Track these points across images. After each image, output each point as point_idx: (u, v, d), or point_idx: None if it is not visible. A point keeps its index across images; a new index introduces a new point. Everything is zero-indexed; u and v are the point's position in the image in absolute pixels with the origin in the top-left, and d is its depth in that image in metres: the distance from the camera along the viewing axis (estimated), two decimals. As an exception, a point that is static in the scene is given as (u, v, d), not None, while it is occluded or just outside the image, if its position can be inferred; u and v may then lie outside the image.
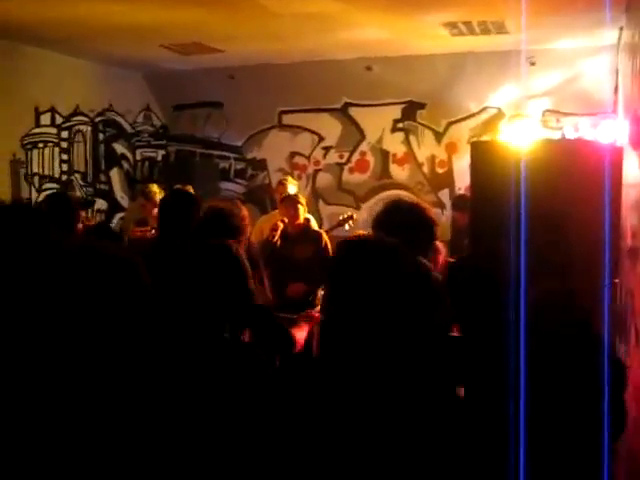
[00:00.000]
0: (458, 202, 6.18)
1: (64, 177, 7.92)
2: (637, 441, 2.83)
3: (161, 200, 4.20)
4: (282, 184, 6.40)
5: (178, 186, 5.92)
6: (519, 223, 2.51)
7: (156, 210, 5.84)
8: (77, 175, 8.11)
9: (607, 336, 2.33)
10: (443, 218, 7.14)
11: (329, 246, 5.25)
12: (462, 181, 7.65)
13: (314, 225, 5.76)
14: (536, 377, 2.12)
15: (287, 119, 8.63)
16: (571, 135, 6.63)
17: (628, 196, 3.63)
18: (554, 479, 2.16)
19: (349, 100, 8.31)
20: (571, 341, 2.23)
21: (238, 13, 5.99)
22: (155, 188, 6.59)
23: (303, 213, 5.42)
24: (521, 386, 2.10)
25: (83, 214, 4.19)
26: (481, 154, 2.80)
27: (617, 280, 3.31)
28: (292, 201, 5.45)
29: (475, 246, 2.89)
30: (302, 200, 5.51)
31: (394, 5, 5.72)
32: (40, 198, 7.41)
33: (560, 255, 2.88)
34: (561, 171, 2.84)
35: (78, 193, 7.97)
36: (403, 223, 2.73)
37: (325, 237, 5.37)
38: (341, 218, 5.96)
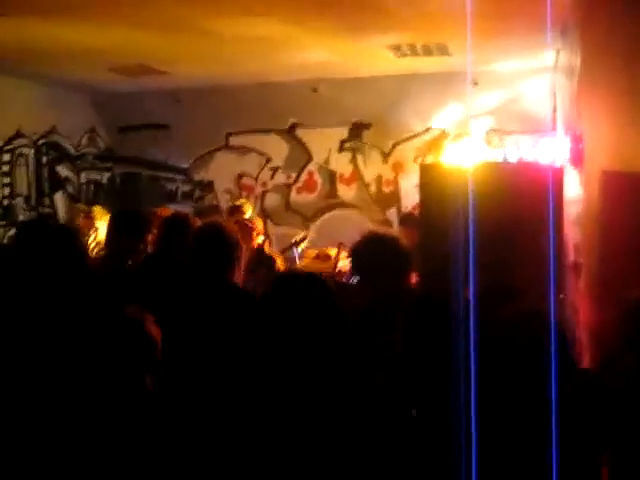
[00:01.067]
0: (405, 219, 6.26)
1: (6, 202, 7.73)
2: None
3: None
4: (241, 211, 6.36)
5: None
6: (467, 242, 2.57)
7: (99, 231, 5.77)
8: (20, 199, 7.93)
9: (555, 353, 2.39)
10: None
11: (282, 270, 5.25)
12: (409, 200, 7.74)
13: (267, 248, 5.72)
14: (485, 392, 2.15)
15: (234, 140, 8.63)
16: (513, 153, 6.80)
17: (569, 212, 3.74)
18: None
19: (296, 121, 8.36)
20: (520, 359, 2.28)
21: (182, 36, 5.98)
22: (97, 211, 6.54)
23: (257, 236, 5.40)
24: (472, 410, 2.14)
25: None
26: (430, 176, 2.87)
27: (562, 295, 3.40)
28: (244, 226, 5.42)
29: (425, 265, 2.95)
30: (258, 224, 5.50)
31: (340, 28, 5.79)
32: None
33: (508, 273, 2.96)
34: (507, 192, 2.92)
35: (21, 217, 7.79)
36: (382, 253, 2.77)
37: (279, 262, 5.35)
38: (293, 240, 5.98)
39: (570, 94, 4.36)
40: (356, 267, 2.92)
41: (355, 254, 2.92)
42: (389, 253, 2.77)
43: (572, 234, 3.84)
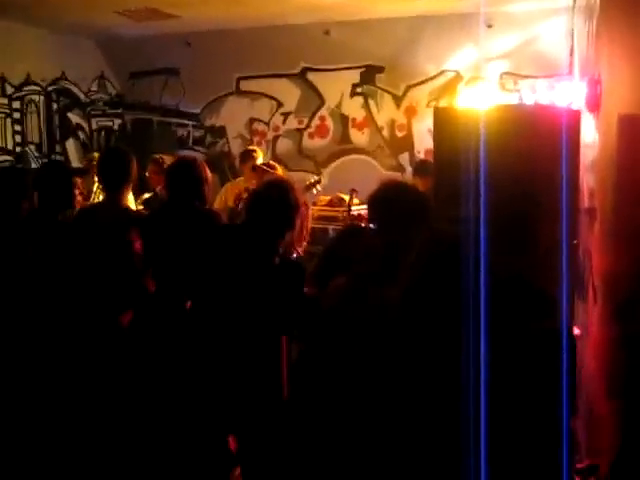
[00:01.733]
0: (419, 167, 6.21)
1: (18, 149, 7.74)
2: (594, 396, 2.94)
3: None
4: (253, 156, 6.34)
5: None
6: (479, 186, 2.55)
7: None
8: (31, 146, 7.94)
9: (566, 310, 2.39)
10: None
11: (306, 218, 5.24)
12: (422, 144, 7.69)
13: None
14: (495, 353, 2.15)
15: (245, 85, 8.54)
16: (528, 97, 6.69)
17: (585, 157, 3.70)
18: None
19: (307, 65, 8.25)
20: (530, 321, 2.27)
21: (193, -23, 5.89)
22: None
23: None
24: (482, 366, 2.14)
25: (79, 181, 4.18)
26: (443, 119, 2.83)
27: (576, 241, 3.39)
28: (265, 171, 5.43)
29: (439, 211, 2.93)
30: (278, 168, 5.50)
31: (351, -32, 5.67)
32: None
33: (521, 219, 2.94)
34: (522, 134, 2.88)
35: (33, 165, 7.80)
36: (399, 203, 2.76)
37: (303, 208, 5.34)
38: (307, 183, 5.95)
39: (588, 36, 4.26)
40: (373, 216, 2.90)
41: (372, 203, 2.90)
42: (407, 203, 2.75)
43: (587, 179, 3.80)
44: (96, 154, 6.65)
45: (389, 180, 3.09)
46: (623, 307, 2.49)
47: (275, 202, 3.07)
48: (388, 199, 2.80)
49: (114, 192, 3.98)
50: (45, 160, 8.04)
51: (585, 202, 3.88)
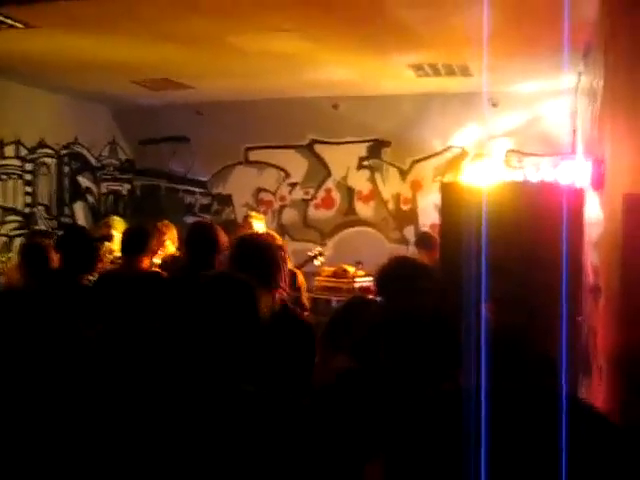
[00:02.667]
0: (422, 240, 6.26)
1: (27, 210, 7.83)
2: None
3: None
4: (247, 220, 6.41)
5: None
6: (484, 262, 2.57)
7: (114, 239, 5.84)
8: (40, 208, 8.01)
9: (565, 373, 2.37)
10: (407, 254, 7.21)
11: (303, 287, 5.25)
12: (426, 218, 7.76)
13: (289, 264, 5.72)
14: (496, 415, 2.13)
15: (253, 155, 8.69)
16: (532, 175, 6.80)
17: (590, 235, 3.73)
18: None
19: (315, 137, 8.41)
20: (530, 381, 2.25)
21: (207, 50, 6.06)
22: (116, 222, 6.58)
23: None
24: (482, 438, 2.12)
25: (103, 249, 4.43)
26: (450, 194, 2.88)
27: (580, 318, 3.39)
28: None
29: (446, 282, 2.95)
30: (275, 238, 5.53)
31: (362, 46, 5.84)
32: (2, 230, 7.35)
33: (524, 293, 2.95)
34: (526, 212, 2.93)
35: (42, 226, 7.88)
36: (408, 278, 2.80)
37: (300, 278, 5.36)
38: (310, 254, 5.99)
39: (592, 117, 4.36)
40: (381, 289, 2.93)
41: (381, 276, 2.93)
42: (415, 277, 2.78)
43: (591, 257, 3.83)
44: (115, 218, 6.74)
45: (397, 255, 3.14)
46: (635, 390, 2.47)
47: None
48: (397, 274, 2.84)
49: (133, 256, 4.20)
50: (53, 221, 8.12)
51: (590, 280, 3.89)
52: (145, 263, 4.35)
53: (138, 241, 4.32)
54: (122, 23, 5.25)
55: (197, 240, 3.94)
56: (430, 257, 5.34)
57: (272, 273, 3.13)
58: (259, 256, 3.15)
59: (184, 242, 4.14)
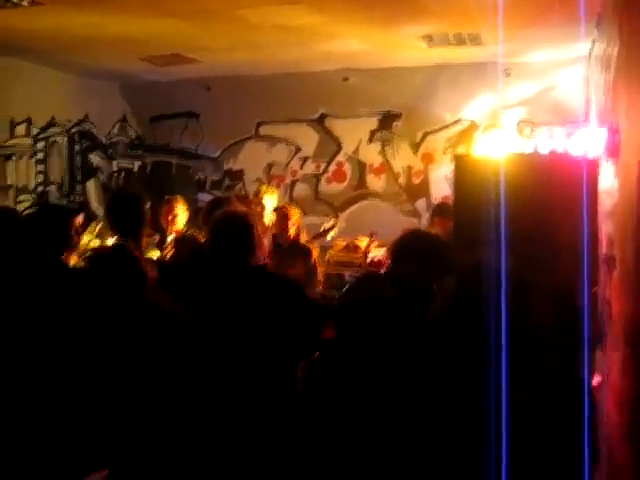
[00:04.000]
0: (439, 209, 6.18)
1: (40, 188, 7.86)
2: (615, 444, 2.89)
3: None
4: (257, 194, 6.41)
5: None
6: (499, 234, 2.57)
7: None
8: (53, 186, 8.05)
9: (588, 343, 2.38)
10: (419, 227, 7.19)
11: (317, 262, 5.27)
12: (438, 191, 7.73)
13: (303, 239, 5.71)
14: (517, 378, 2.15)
15: (264, 130, 8.66)
16: (545, 145, 6.73)
17: (603, 204, 3.70)
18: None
19: (326, 111, 8.36)
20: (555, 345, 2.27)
21: (216, 24, 6.01)
22: None
23: (292, 226, 5.43)
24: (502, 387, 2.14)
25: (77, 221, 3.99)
26: (464, 167, 2.87)
27: (595, 289, 3.38)
28: (281, 213, 5.51)
29: (459, 255, 2.94)
30: (292, 212, 5.55)
31: (372, 17, 5.78)
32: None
33: (540, 264, 2.94)
34: (540, 184, 2.91)
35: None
36: (423, 249, 2.81)
37: (315, 253, 5.36)
38: (323, 229, 5.99)
39: (605, 84, 4.31)
40: (395, 260, 2.93)
41: (396, 248, 2.94)
42: (431, 249, 2.78)
43: (605, 227, 3.80)
44: None
45: (412, 228, 3.15)
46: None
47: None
48: (412, 245, 2.84)
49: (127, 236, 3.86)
50: (66, 200, 8.15)
51: (603, 250, 3.87)
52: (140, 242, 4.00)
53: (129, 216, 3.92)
54: (129, -1, 5.23)
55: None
56: (444, 226, 5.31)
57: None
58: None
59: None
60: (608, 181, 3.62)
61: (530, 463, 2.04)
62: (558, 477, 2.08)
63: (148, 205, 4.02)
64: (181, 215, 5.88)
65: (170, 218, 5.81)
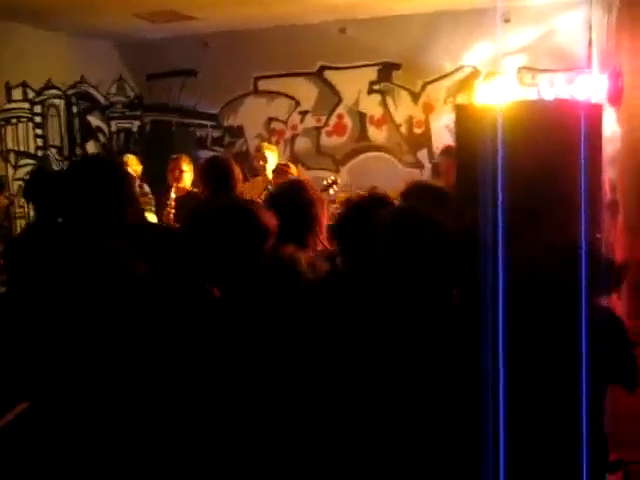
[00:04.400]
0: (446, 150, 6.13)
1: (40, 152, 7.83)
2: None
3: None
4: (258, 151, 6.46)
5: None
6: (499, 182, 2.56)
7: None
8: (53, 150, 8.01)
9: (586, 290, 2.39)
10: (422, 178, 7.17)
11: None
12: (440, 141, 7.67)
13: None
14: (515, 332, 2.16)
15: (263, 85, 8.57)
16: (547, 92, 6.68)
17: (606, 150, 3.69)
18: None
19: (324, 63, 8.26)
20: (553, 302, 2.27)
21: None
22: (130, 159, 6.61)
23: None
24: (499, 341, 2.15)
25: None
26: (465, 116, 2.85)
27: (599, 235, 3.39)
28: (281, 171, 5.58)
29: (461, 205, 2.95)
30: (293, 169, 5.60)
31: (368, -34, 5.68)
32: (17, 174, 7.38)
33: (541, 211, 2.94)
34: (543, 131, 2.89)
35: (55, 168, 7.88)
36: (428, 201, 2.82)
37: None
38: (325, 183, 5.97)
39: (608, 28, 4.25)
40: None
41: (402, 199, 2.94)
42: (434, 200, 2.78)
43: (608, 173, 3.80)
44: (129, 156, 6.78)
45: (416, 180, 3.15)
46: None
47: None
48: (418, 197, 2.85)
49: None
50: (66, 163, 8.13)
51: (607, 196, 3.87)
52: None
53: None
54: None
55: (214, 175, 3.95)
56: (452, 165, 5.26)
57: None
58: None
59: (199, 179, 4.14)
60: (610, 127, 3.61)
61: (528, 404, 2.08)
62: (558, 420, 2.12)
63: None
64: (188, 172, 5.99)
65: (177, 173, 5.92)
